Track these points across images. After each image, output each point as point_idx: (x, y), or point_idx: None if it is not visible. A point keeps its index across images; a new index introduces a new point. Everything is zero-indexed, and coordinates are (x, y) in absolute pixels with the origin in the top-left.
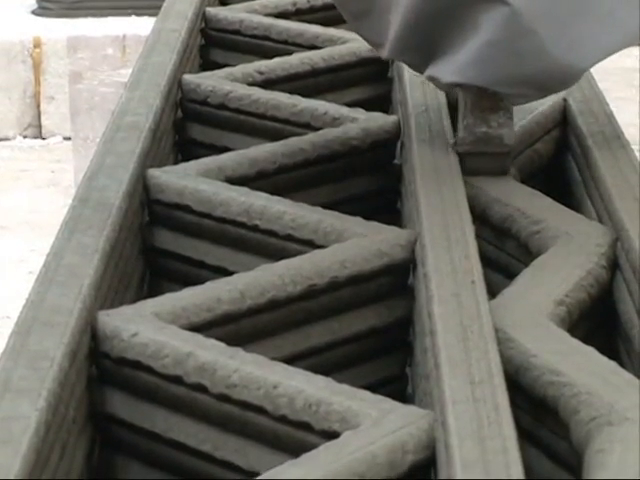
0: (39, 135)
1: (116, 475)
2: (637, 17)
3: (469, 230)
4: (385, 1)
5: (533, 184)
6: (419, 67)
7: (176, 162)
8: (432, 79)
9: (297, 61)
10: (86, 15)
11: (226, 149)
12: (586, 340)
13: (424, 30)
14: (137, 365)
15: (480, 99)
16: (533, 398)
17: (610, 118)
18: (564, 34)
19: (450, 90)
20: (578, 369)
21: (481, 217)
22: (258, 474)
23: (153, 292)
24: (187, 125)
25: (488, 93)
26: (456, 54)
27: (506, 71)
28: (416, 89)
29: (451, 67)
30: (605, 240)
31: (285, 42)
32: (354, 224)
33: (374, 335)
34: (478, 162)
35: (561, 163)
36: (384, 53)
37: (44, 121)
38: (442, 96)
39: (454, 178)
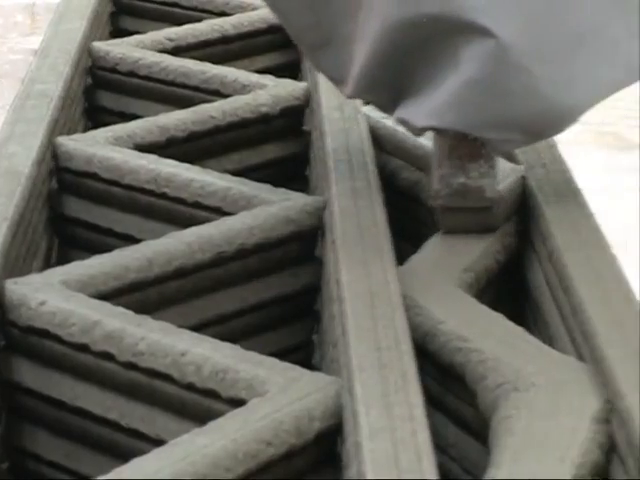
0: None
1: (23, 443)
2: None
3: (377, 197)
4: (348, 31)
5: None
6: (388, 108)
7: (86, 129)
8: (403, 122)
9: (207, 28)
10: None
11: (136, 116)
12: (494, 306)
13: (395, 65)
14: (44, 334)
15: (458, 145)
16: (440, 364)
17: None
18: (559, 70)
19: (422, 134)
20: (486, 335)
21: (390, 183)
22: (165, 442)
23: (61, 260)
24: (97, 92)
25: (468, 139)
26: (432, 94)
27: (490, 114)
28: None
29: (426, 109)
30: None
31: (195, 9)
32: (262, 191)
33: (281, 302)
34: (456, 218)
35: None
36: (347, 91)
37: None
38: None
39: (364, 144)
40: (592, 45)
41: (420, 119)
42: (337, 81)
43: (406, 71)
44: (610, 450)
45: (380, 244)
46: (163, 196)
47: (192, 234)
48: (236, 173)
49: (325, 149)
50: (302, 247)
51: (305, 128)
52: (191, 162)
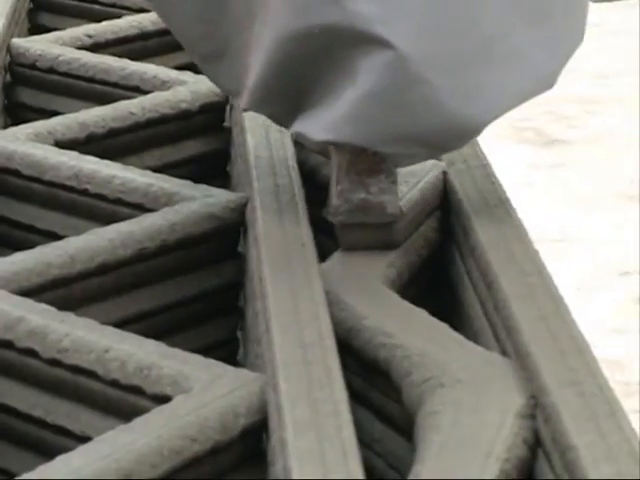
0: None
1: None
2: (549, 61)
3: (299, 193)
4: (243, 41)
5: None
6: (284, 121)
7: (5, 126)
8: (300, 136)
9: (126, 24)
10: None
11: (56, 113)
12: (416, 302)
13: (291, 76)
14: None
15: (357, 160)
16: (365, 360)
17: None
18: (461, 82)
19: (321, 149)
20: (410, 331)
21: (311, 179)
22: (90, 438)
23: None
24: (16, 89)
25: (367, 153)
26: (329, 107)
27: (389, 127)
28: None
29: (323, 122)
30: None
31: (114, 5)
32: (184, 188)
33: (204, 299)
34: (356, 235)
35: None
36: (242, 103)
37: None
38: None
39: (284, 140)
40: (496, 55)
41: (316, 133)
42: (232, 93)
43: (303, 83)
44: (535, 445)
45: (302, 240)
46: (84, 193)
47: (114, 231)
48: (157, 170)
49: (246, 145)
50: (224, 243)
51: (226, 124)
52: (111, 159)
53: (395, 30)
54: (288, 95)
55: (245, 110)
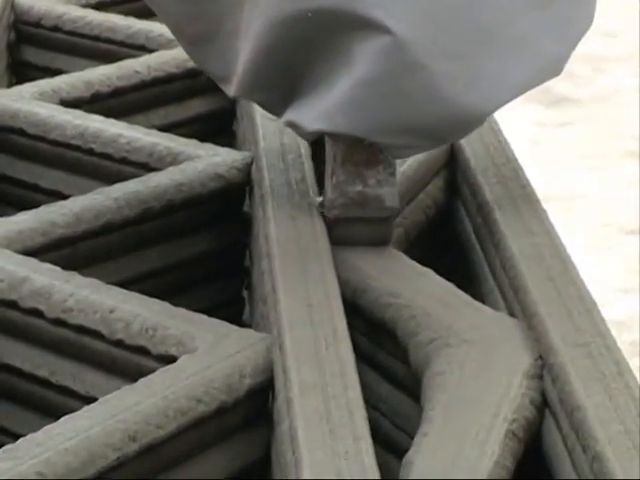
0: None
1: None
2: (556, 46)
3: (306, 152)
4: (234, 23)
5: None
6: (276, 109)
7: (10, 85)
8: (292, 125)
9: None
10: None
11: (60, 72)
12: (423, 262)
13: (283, 62)
14: None
15: (353, 151)
16: (371, 320)
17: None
18: (463, 69)
19: (314, 139)
20: (416, 291)
21: (319, 138)
22: (95, 399)
23: None
24: (21, 47)
25: (364, 144)
26: (323, 95)
27: (386, 117)
28: None
29: (316, 111)
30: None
31: None
32: (189, 146)
33: (210, 259)
34: (352, 230)
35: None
36: (231, 90)
37: None
38: None
39: None
40: (499, 42)
41: (310, 122)
42: (221, 79)
43: (295, 70)
44: (542, 406)
45: (309, 199)
46: (90, 152)
47: (119, 190)
48: (163, 128)
49: (252, 104)
50: (230, 203)
51: None
52: (117, 117)
53: (394, 15)
54: (280, 82)
55: (235, 97)
